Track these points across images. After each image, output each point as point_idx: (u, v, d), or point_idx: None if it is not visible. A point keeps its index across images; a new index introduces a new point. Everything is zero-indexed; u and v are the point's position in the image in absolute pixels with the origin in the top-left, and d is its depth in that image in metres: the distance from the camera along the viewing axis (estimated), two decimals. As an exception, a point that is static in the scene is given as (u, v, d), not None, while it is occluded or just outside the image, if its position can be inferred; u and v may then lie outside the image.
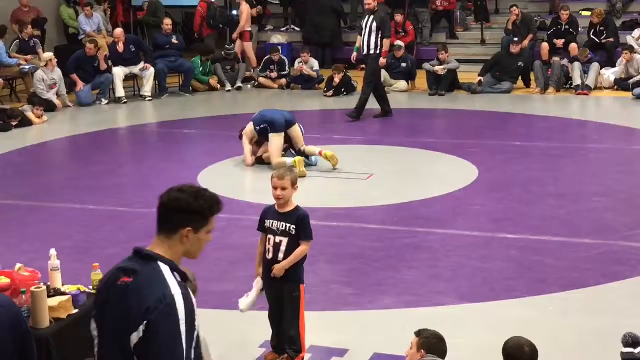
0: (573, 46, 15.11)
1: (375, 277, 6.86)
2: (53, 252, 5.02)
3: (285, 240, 5.15)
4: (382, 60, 12.77)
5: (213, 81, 16.05)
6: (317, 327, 5.79)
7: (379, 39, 12.55)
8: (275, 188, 5.15)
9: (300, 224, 5.14)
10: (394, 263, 7.13)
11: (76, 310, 4.74)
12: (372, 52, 12.63)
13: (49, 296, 4.63)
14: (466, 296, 6.42)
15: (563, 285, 6.57)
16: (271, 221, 5.21)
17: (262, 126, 10.24)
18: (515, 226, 7.98)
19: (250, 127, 10.32)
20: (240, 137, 10.52)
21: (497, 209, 8.62)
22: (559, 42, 15.81)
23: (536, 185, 9.37)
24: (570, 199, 8.84)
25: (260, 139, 10.37)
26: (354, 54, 13.39)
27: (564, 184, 9.45)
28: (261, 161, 10.37)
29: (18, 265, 4.97)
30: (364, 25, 12.71)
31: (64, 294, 4.80)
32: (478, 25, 17.83)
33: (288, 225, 5.14)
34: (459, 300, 6.36)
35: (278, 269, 5.14)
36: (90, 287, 5.00)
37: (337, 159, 10.11)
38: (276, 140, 10.18)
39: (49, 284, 4.87)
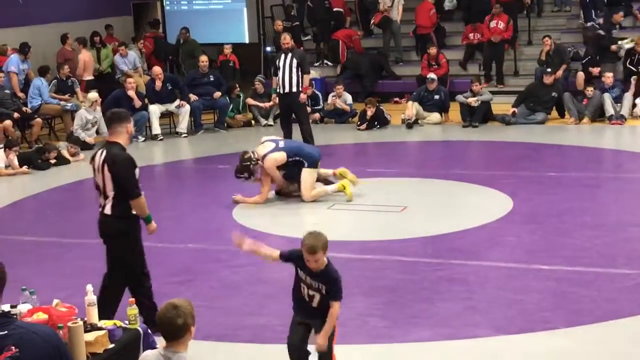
0: (607, 75, 15.03)
1: (409, 309, 6.84)
2: (89, 287, 5.10)
3: (317, 296, 5.14)
4: (303, 96, 12.63)
5: (240, 117, 16.17)
6: (352, 360, 5.81)
7: (300, 76, 12.54)
8: (307, 260, 5.07)
9: (330, 284, 5.10)
10: (429, 295, 7.12)
11: (112, 345, 4.80)
12: (294, 89, 12.50)
13: (85, 331, 4.70)
14: (501, 328, 6.38)
15: (599, 316, 6.51)
16: (305, 275, 5.16)
17: (296, 159, 10.17)
18: (551, 257, 7.93)
19: (281, 156, 10.11)
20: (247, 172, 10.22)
21: (532, 240, 8.58)
22: (595, 70, 15.76)
23: (571, 215, 9.31)
24: (606, 229, 8.77)
25: (283, 172, 10.23)
26: (273, 96, 13.21)
27: (600, 214, 9.38)
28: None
29: (55, 301, 5.06)
30: (281, 65, 12.54)
31: (100, 328, 4.86)
32: (511, 55, 17.84)
33: (319, 284, 5.12)
34: (494, 332, 6.32)
35: (321, 344, 5.09)
36: (127, 321, 5.06)
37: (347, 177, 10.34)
38: (311, 175, 10.21)
39: (85, 319, 4.94)
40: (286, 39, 12.75)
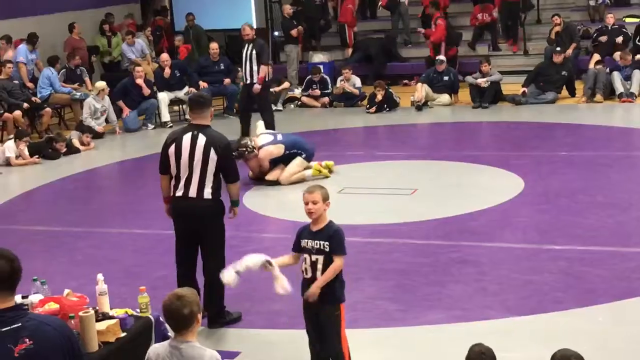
0: (618, 54, 14.93)
1: (421, 292, 6.83)
2: (100, 276, 5.10)
3: (321, 258, 5.03)
4: (257, 87, 12.56)
5: None
6: (364, 344, 5.80)
7: (259, 66, 12.56)
8: (306, 203, 5.05)
9: (332, 239, 5.02)
10: (440, 278, 7.10)
11: (124, 334, 4.80)
12: (255, 80, 12.60)
13: (97, 320, 4.70)
14: (514, 309, 6.37)
15: (613, 295, 6.48)
16: (306, 240, 5.11)
17: (293, 151, 10.48)
18: (563, 237, 7.90)
19: (278, 149, 10.44)
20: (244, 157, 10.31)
21: (544, 220, 8.54)
22: (603, 38, 15.82)
23: (583, 194, 9.26)
24: (619, 207, 8.72)
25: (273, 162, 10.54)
26: (241, 84, 13.55)
27: (612, 192, 9.32)
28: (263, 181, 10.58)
29: (66, 291, 5.07)
30: (243, 56, 12.65)
31: (111, 317, 4.86)
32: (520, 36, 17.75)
33: (321, 242, 5.03)
34: (506, 313, 6.30)
35: (312, 292, 5.01)
36: (138, 310, 5.06)
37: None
38: (301, 165, 10.51)
39: (97, 308, 4.95)
40: (245, 30, 12.84)
